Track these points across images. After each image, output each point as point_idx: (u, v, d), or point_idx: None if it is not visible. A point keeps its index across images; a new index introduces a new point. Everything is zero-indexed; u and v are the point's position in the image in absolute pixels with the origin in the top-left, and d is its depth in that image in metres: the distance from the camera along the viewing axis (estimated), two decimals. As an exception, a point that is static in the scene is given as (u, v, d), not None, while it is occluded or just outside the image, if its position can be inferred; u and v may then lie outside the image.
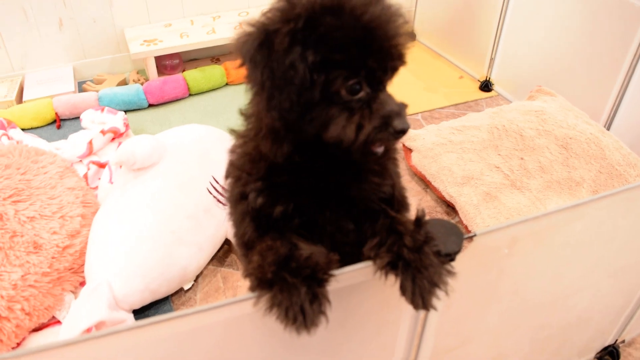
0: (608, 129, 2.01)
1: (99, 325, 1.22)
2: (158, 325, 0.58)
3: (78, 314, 1.28)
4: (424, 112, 2.32)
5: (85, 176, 1.79)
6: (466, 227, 1.63)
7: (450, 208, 1.77)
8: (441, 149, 1.81)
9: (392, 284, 0.71)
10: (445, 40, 2.76)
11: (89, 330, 1.23)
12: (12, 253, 1.34)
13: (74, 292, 1.42)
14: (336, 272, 0.65)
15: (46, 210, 1.43)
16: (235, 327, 0.66)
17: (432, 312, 0.79)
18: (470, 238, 0.73)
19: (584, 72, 2.06)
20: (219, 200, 1.47)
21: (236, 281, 1.49)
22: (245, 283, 1.46)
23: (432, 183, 1.77)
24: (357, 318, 0.75)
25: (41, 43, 2.37)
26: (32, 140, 1.99)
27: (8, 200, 1.44)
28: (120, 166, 1.57)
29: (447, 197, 1.71)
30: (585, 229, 0.86)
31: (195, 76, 2.34)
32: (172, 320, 0.58)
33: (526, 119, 1.87)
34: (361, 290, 0.71)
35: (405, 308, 0.76)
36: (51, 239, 1.38)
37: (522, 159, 1.75)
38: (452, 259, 0.69)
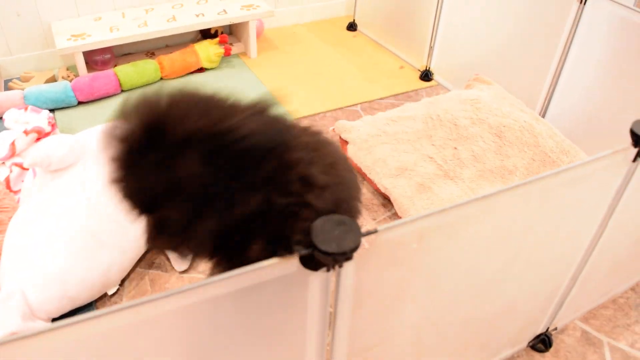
0: (543, 116, 2.04)
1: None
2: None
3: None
4: (364, 102, 2.30)
5: (8, 179, 1.71)
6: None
7: (387, 200, 1.76)
8: (376, 140, 1.79)
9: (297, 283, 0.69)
10: (386, 30, 2.75)
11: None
12: None
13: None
14: (236, 272, 0.62)
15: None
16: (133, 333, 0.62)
17: (341, 312, 0.77)
18: (372, 234, 0.70)
19: (519, 59, 2.07)
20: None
21: (164, 283, 1.44)
22: (175, 285, 1.41)
23: (368, 175, 1.76)
24: (261, 321, 0.72)
25: (-39, 39, 2.25)
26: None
27: None
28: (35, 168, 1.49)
29: (382, 189, 1.70)
30: (499, 220, 0.85)
31: (127, 71, 2.25)
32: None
33: (461, 108, 1.87)
34: (262, 292, 0.68)
35: (311, 308, 0.74)
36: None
37: (455, 148, 1.75)
38: (349, 257, 0.66)
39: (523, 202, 0.84)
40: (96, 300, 1.37)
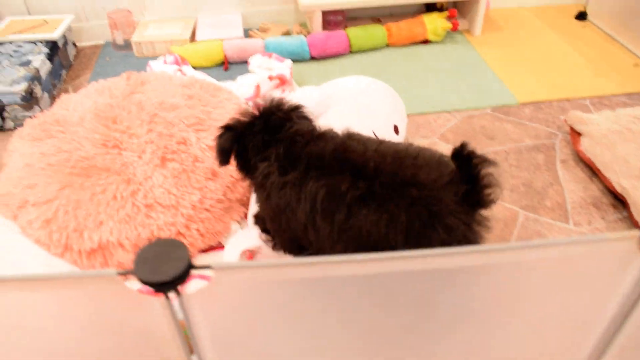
0: None
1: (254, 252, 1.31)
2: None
3: (239, 237, 1.38)
4: (593, 97, 2.18)
5: (251, 118, 1.88)
6: (636, 224, 1.53)
7: (619, 201, 1.66)
8: (618, 137, 1.69)
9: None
10: (622, 22, 2.55)
11: (246, 252, 1.33)
12: (193, 176, 1.44)
13: (239, 222, 1.51)
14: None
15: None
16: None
17: None
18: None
19: None
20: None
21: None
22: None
23: (602, 172, 1.67)
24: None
25: (217, -12, 2.49)
26: (203, 78, 2.11)
27: (191, 127, 1.55)
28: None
29: (619, 189, 1.61)
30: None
31: (357, 34, 2.35)
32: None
33: None
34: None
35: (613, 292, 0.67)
36: (226, 169, 1.47)
37: None
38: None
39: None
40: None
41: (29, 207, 1.35)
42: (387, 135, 1.55)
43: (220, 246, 1.46)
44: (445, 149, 1.84)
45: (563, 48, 2.51)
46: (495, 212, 1.61)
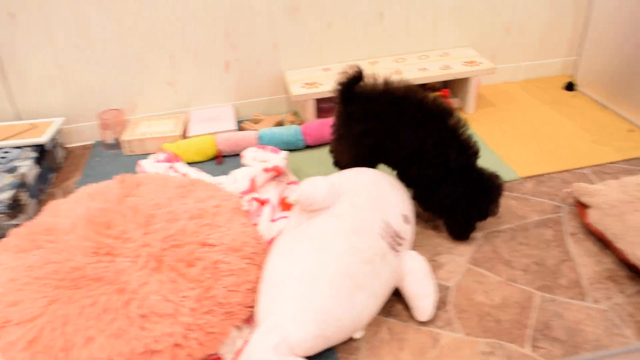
0: None
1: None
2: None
3: (249, 356, 1.25)
4: (593, 166, 2.14)
5: (247, 213, 1.83)
6: (659, 297, 1.45)
7: (636, 273, 1.59)
8: (628, 207, 1.64)
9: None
10: (611, 90, 2.57)
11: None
12: (192, 277, 1.36)
13: (239, 327, 1.41)
14: None
15: (224, 240, 1.46)
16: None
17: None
18: None
19: None
20: (392, 247, 1.42)
21: (402, 333, 1.41)
22: (413, 337, 1.38)
23: (615, 243, 1.61)
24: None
25: (208, 83, 2.51)
26: (196, 174, 2.07)
27: (191, 221, 1.49)
28: (283, 208, 1.57)
29: (634, 260, 1.53)
30: None
31: (350, 119, 2.34)
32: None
33: None
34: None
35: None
36: (228, 269, 1.39)
37: None
38: None
39: None
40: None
41: (12, 326, 1.27)
42: (399, 225, 1.50)
43: (216, 357, 1.36)
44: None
45: (556, 119, 2.51)
46: (510, 295, 1.53)
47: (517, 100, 2.71)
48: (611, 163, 2.17)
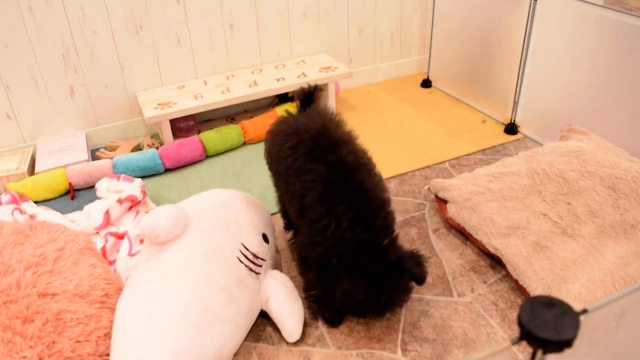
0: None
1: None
2: None
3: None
4: (451, 160, 2.22)
5: (104, 249, 1.69)
6: (516, 282, 1.50)
7: (495, 261, 1.65)
8: (480, 198, 1.69)
9: None
10: (464, 85, 2.69)
11: None
12: (29, 331, 1.22)
13: (96, 382, 1.29)
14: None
15: (68, 287, 1.32)
16: None
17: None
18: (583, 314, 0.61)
19: (615, 106, 1.96)
20: (251, 269, 1.35)
21: (273, 357, 1.36)
22: (284, 359, 1.33)
23: (474, 235, 1.66)
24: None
25: (53, 112, 2.32)
26: (45, 213, 1.90)
27: (28, 271, 1.33)
28: (142, 240, 1.46)
29: (492, 250, 1.59)
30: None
31: (211, 137, 2.26)
32: None
33: (565, 161, 1.77)
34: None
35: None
36: (75, 319, 1.26)
37: (569, 203, 1.63)
38: (570, 346, 0.57)
39: None
40: (204, 377, 1.30)
41: None
42: (257, 246, 1.43)
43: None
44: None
45: (415, 116, 2.58)
46: (379, 300, 1.52)
47: (378, 101, 2.76)
48: (467, 155, 2.26)
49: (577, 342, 0.66)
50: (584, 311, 0.63)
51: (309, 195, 1.28)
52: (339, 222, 1.24)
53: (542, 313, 0.59)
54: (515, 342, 0.59)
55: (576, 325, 0.59)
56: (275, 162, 1.45)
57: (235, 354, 1.36)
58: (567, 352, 0.67)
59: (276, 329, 1.42)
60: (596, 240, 1.53)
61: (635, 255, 1.48)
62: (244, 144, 2.36)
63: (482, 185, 1.74)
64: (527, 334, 0.58)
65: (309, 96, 1.59)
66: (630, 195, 1.64)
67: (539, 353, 0.61)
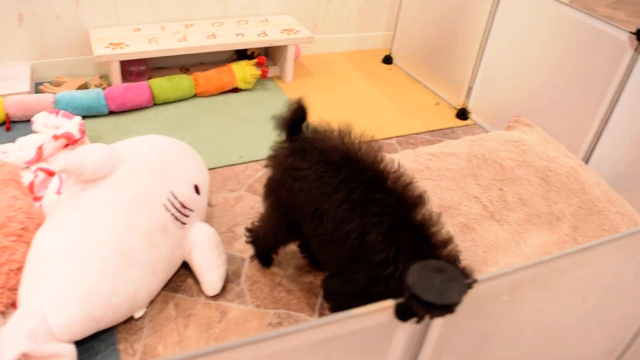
0: (587, 162, 1.96)
1: (25, 357, 1.07)
2: None
3: (1, 343, 1.11)
4: (400, 136, 2.24)
5: (32, 184, 1.64)
6: (441, 260, 1.54)
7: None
8: (418, 176, 1.71)
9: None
10: (423, 66, 2.70)
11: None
12: None
13: (4, 313, 1.26)
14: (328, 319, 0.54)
15: (-20, 220, 1.28)
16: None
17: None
18: (470, 285, 0.62)
19: (563, 104, 2.01)
20: (177, 219, 1.34)
21: (189, 309, 1.35)
22: (200, 312, 1.32)
23: (407, 211, 1.68)
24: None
25: (-3, 38, 2.22)
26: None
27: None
28: (68, 176, 1.42)
29: (423, 227, 1.61)
30: (588, 272, 0.77)
31: (161, 84, 2.21)
32: None
33: (506, 149, 1.80)
34: (347, 342, 0.59)
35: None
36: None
37: (501, 189, 1.67)
38: (452, 311, 0.58)
39: (620, 255, 0.76)
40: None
41: None
42: (187, 196, 1.41)
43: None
44: (254, 201, 1.74)
45: (371, 91, 2.58)
46: (304, 265, 1.53)
47: (338, 72, 2.74)
48: (416, 134, 2.28)
49: (469, 312, 0.68)
50: (474, 281, 0.64)
51: (374, 231, 1.10)
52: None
53: (430, 277, 0.60)
54: (399, 303, 0.60)
55: (461, 291, 0.60)
56: (313, 199, 1.20)
57: (152, 302, 1.35)
58: (461, 321, 0.68)
59: (197, 282, 1.42)
60: (521, 228, 1.57)
61: (555, 245, 1.53)
62: (195, 95, 2.31)
63: (422, 163, 1.76)
64: (412, 296, 0.59)
65: (298, 120, 1.40)
66: (561, 189, 1.68)
67: (426, 318, 0.63)
